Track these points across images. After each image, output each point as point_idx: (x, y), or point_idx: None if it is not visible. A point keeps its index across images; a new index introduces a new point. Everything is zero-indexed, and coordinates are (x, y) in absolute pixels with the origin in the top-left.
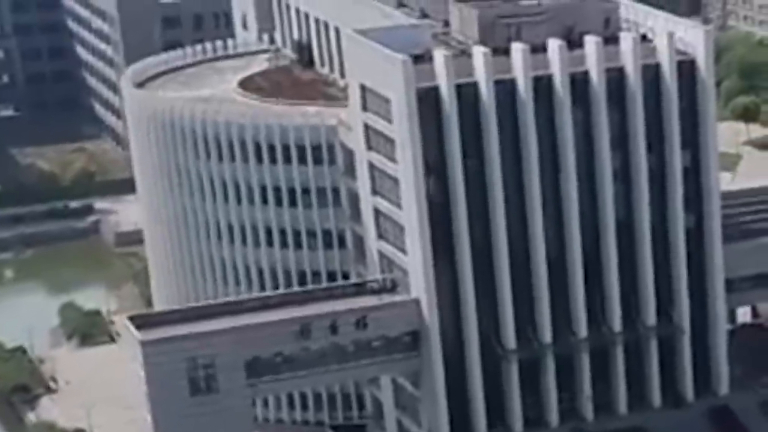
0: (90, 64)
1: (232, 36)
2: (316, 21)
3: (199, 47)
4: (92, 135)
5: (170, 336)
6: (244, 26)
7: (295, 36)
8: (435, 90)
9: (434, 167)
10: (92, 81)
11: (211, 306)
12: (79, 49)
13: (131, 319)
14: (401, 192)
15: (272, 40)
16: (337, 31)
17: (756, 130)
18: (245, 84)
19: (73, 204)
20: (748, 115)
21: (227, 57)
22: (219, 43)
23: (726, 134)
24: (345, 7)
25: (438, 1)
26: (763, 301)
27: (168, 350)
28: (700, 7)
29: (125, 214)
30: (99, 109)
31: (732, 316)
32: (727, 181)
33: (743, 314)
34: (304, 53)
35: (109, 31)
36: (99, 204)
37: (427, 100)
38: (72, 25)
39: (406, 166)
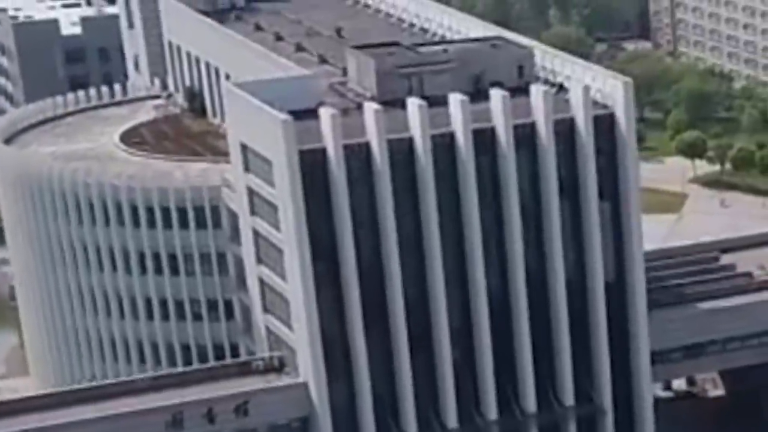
0: None
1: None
2: (207, 66)
3: (82, 93)
4: None
5: (20, 430)
6: (137, 68)
7: (187, 82)
8: (322, 151)
9: (321, 237)
10: None
11: (72, 392)
12: None
13: None
14: (285, 263)
15: (165, 85)
16: (228, 78)
17: (703, 167)
18: (128, 137)
19: None
20: (694, 151)
21: (114, 104)
22: (104, 88)
23: (672, 171)
24: (235, 53)
25: (338, 47)
26: (695, 373)
27: None
28: (650, 32)
29: None
30: None
31: (667, 383)
32: (671, 222)
33: (678, 382)
34: (196, 101)
35: (8, 66)
36: None
37: (313, 163)
38: None
39: (290, 236)
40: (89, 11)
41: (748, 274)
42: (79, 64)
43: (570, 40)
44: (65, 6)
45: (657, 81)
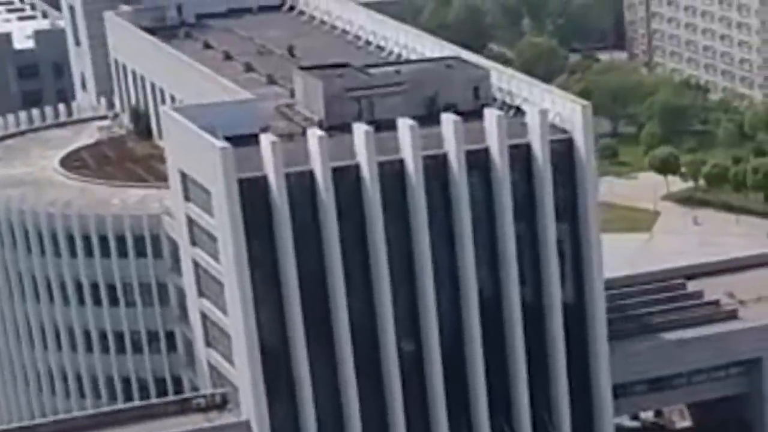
0: None
1: None
2: (153, 87)
3: (24, 114)
4: None
5: None
6: (84, 87)
7: (133, 102)
8: (263, 180)
9: (263, 270)
10: None
11: (6, 431)
12: None
13: None
14: (226, 297)
15: (111, 105)
16: (173, 99)
17: (676, 182)
18: (68, 160)
19: None
20: (667, 167)
21: (57, 125)
22: (49, 109)
23: (645, 187)
24: (179, 74)
25: (289, 66)
26: (660, 407)
27: None
28: (626, 42)
29: None
30: None
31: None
32: (642, 242)
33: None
34: (141, 122)
35: None
36: None
37: (254, 192)
38: None
39: (230, 269)
40: (44, 24)
41: (716, 303)
42: (33, 79)
43: (543, 51)
44: (20, 19)
45: (632, 93)
